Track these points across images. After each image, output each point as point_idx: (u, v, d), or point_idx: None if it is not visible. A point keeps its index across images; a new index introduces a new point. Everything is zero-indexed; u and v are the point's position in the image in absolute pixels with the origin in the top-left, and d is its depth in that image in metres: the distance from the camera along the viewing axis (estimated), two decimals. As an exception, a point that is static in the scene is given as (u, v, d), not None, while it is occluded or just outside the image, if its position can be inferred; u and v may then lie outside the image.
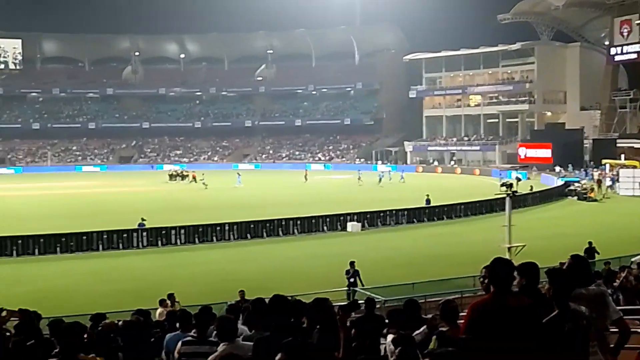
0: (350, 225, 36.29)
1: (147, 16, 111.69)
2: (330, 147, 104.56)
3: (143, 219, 33.03)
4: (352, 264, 21.87)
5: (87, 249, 30.54)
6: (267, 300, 6.37)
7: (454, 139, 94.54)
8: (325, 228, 36.11)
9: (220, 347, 5.94)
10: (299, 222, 35.69)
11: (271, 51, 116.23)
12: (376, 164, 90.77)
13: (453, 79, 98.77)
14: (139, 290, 21.82)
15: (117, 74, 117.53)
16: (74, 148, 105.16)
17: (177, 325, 8.35)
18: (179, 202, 50.35)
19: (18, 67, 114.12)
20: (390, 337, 6.46)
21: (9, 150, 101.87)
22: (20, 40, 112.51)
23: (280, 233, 34.76)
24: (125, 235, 31.71)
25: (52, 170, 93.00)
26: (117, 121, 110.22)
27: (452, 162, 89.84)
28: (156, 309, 15.04)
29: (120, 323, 8.77)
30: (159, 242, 31.94)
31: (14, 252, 29.49)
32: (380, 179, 65.62)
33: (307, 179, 67.70)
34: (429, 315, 7.67)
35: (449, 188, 57.84)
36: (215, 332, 6.36)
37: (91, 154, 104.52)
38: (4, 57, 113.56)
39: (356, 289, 21.11)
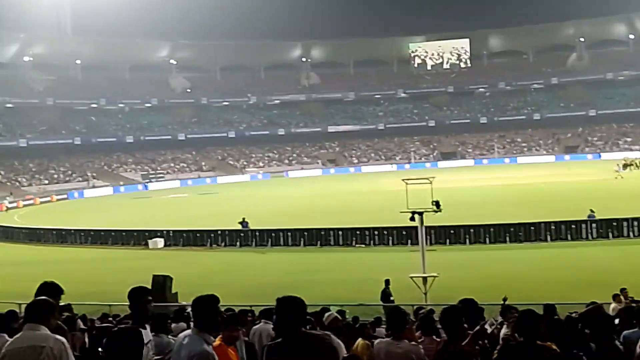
0: None
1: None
2: None
3: (592, 210, 31.98)
4: None
5: (535, 239, 30.80)
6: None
7: None
8: None
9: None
10: None
11: None
12: None
13: None
14: (589, 282, 21.14)
15: (562, 62, 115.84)
16: (519, 139, 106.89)
17: (634, 321, 7.89)
18: (628, 191, 47.30)
19: (467, 65, 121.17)
20: None
21: (460, 144, 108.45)
22: (468, 40, 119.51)
23: None
24: (573, 226, 31.07)
25: (498, 161, 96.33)
26: (561, 110, 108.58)
27: None
28: (609, 303, 14.48)
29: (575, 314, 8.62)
30: (610, 234, 30.52)
31: (467, 240, 31.40)
32: None
33: None
34: None
35: None
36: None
37: (536, 145, 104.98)
38: (455, 56, 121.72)
39: None
